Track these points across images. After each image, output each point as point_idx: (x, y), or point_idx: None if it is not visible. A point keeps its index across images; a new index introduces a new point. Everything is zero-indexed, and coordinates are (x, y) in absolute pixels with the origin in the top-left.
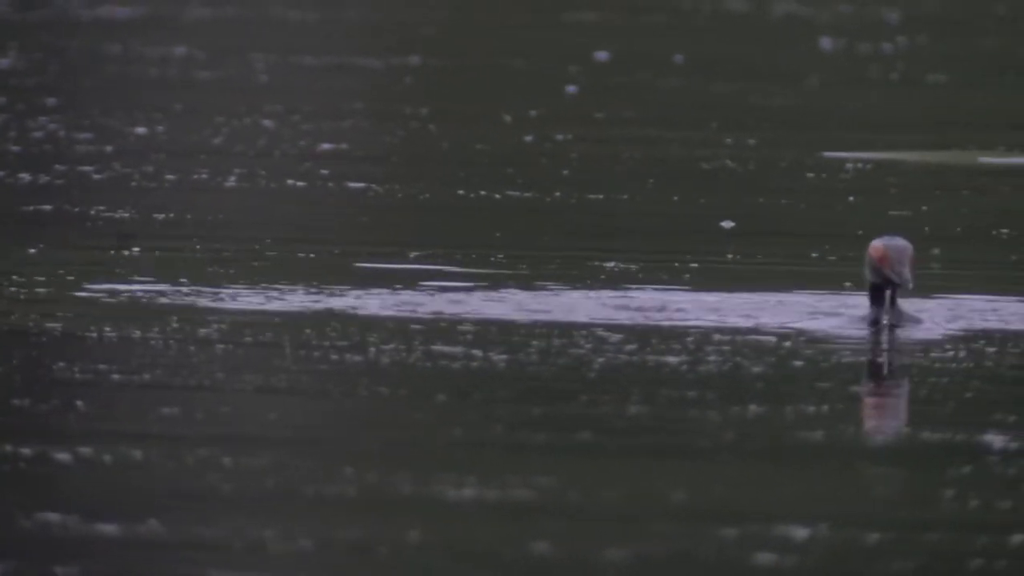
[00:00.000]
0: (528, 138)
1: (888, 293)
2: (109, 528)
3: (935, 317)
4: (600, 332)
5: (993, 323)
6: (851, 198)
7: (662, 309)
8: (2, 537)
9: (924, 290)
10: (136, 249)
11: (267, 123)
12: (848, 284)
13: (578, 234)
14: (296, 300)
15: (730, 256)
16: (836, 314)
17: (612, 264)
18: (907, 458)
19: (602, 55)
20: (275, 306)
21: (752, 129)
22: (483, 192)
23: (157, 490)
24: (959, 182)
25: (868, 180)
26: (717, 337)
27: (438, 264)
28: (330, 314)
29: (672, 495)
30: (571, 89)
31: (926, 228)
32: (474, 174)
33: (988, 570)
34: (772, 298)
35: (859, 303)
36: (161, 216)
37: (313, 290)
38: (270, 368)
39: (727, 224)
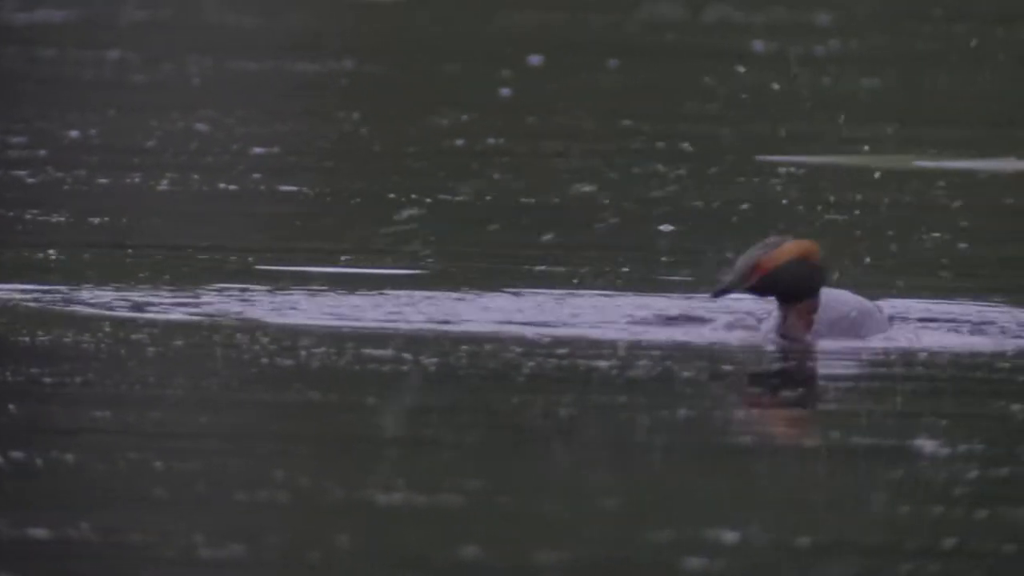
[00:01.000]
0: (460, 142)
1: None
2: (39, 532)
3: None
4: (530, 336)
5: (926, 327)
6: (785, 201)
7: (594, 312)
8: None
9: (858, 293)
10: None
11: (200, 127)
12: None
13: (510, 237)
14: (227, 303)
15: (666, 259)
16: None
17: (544, 267)
18: (838, 462)
19: (535, 59)
20: (206, 309)
21: (685, 134)
22: (415, 195)
23: (88, 493)
24: (894, 185)
25: (802, 184)
26: (649, 340)
27: (369, 267)
28: (261, 317)
29: (603, 499)
30: (504, 92)
31: (859, 231)
32: (406, 178)
33: (919, 574)
34: (706, 302)
35: None
36: (95, 220)
37: (244, 293)
38: (201, 372)
39: (665, 228)
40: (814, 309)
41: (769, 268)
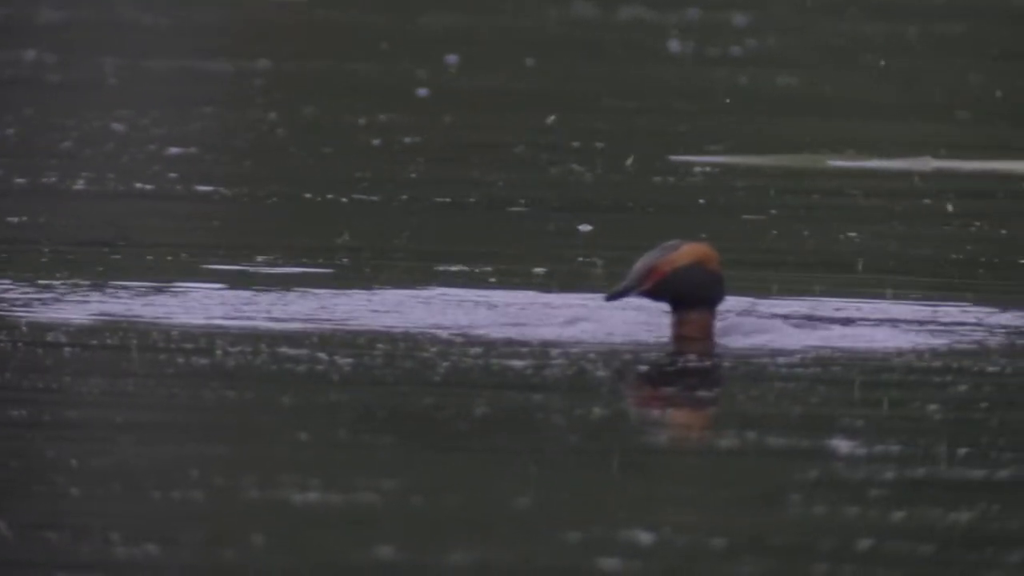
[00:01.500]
0: (376, 141)
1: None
2: None
3: (780, 322)
4: (445, 336)
5: (841, 327)
6: (701, 201)
7: (512, 312)
8: None
9: (773, 293)
10: None
11: (117, 126)
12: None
13: (426, 237)
14: (143, 303)
15: (582, 259)
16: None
17: (459, 267)
18: (753, 462)
19: (452, 58)
20: (122, 309)
21: (599, 133)
22: (330, 195)
23: (3, 492)
24: (809, 185)
25: (717, 184)
26: (564, 340)
27: (285, 267)
28: (178, 316)
29: (516, 499)
30: (422, 92)
31: (775, 231)
32: (322, 177)
33: (834, 574)
34: (621, 302)
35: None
36: (13, 219)
37: (161, 293)
38: (117, 371)
39: (584, 227)
40: (709, 321)
41: (665, 272)
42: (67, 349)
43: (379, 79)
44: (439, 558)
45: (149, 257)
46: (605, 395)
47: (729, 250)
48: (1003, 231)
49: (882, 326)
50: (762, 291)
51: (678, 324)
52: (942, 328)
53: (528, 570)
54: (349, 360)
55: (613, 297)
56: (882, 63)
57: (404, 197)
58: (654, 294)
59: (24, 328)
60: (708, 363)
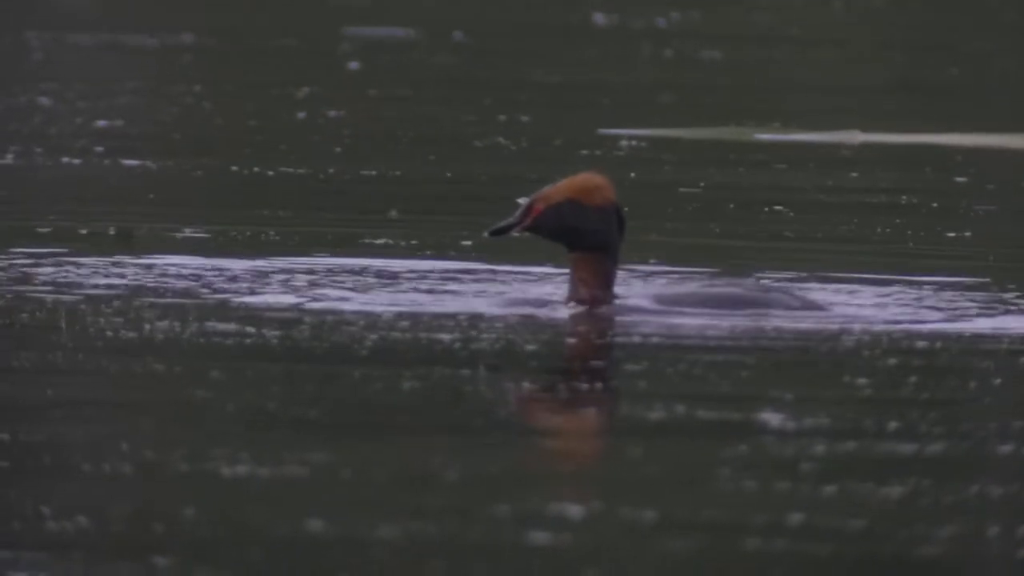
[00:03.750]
0: (301, 115)
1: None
2: None
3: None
4: (373, 309)
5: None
6: (633, 174)
7: (439, 285)
8: None
9: (706, 264)
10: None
11: (43, 100)
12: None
13: (351, 211)
14: (71, 277)
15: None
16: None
17: (385, 240)
18: (682, 436)
19: (354, 65)
20: (50, 284)
21: (526, 105)
22: (256, 169)
23: None
24: (734, 158)
25: (643, 156)
26: (492, 314)
27: (212, 242)
28: (105, 291)
29: (445, 473)
30: (353, 65)
31: (700, 204)
32: (248, 151)
33: (765, 550)
34: (552, 271)
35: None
36: None
37: (88, 267)
38: (46, 345)
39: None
40: (600, 268)
41: (540, 209)
42: None
43: (302, 52)
44: (368, 532)
45: (81, 231)
46: (534, 368)
47: (661, 226)
48: (934, 204)
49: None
50: (685, 262)
51: (571, 268)
52: (871, 302)
53: (457, 543)
54: (276, 333)
55: (494, 233)
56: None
57: (330, 170)
58: (535, 230)
59: None
60: (638, 336)
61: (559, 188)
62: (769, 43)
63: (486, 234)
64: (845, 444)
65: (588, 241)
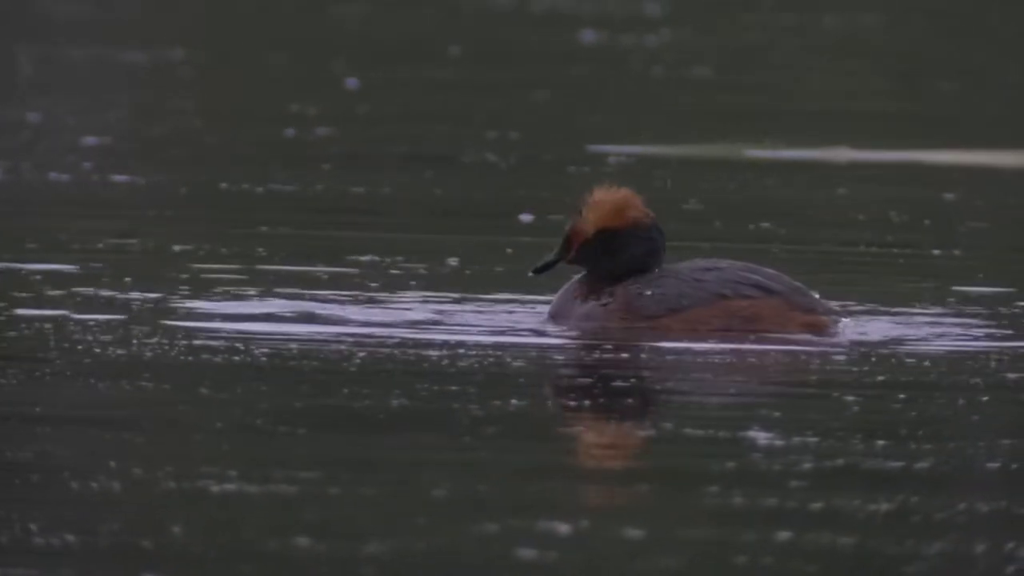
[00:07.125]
0: (290, 132)
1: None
2: None
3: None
4: (362, 328)
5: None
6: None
7: (429, 301)
8: None
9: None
10: None
11: (32, 116)
12: None
13: (341, 228)
14: (60, 293)
15: (510, 251)
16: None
17: (370, 257)
18: (671, 453)
19: (352, 82)
20: (38, 299)
21: (516, 123)
22: (246, 186)
23: None
24: (724, 175)
25: (633, 173)
26: (480, 332)
27: (202, 259)
28: (95, 307)
29: (434, 489)
30: (351, 83)
31: (690, 221)
32: (237, 168)
33: (753, 566)
34: (548, 288)
35: None
36: None
37: (77, 284)
38: (34, 360)
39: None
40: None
41: (579, 244)
42: None
43: (293, 70)
44: (357, 548)
45: (75, 246)
46: (522, 385)
47: None
48: (923, 221)
49: None
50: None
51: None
52: (861, 319)
53: (445, 560)
54: (265, 351)
55: (539, 271)
56: (796, 55)
57: (319, 187)
58: (579, 264)
59: None
60: (627, 354)
61: (587, 219)
62: (759, 61)
63: (530, 273)
64: (833, 461)
65: (627, 267)
